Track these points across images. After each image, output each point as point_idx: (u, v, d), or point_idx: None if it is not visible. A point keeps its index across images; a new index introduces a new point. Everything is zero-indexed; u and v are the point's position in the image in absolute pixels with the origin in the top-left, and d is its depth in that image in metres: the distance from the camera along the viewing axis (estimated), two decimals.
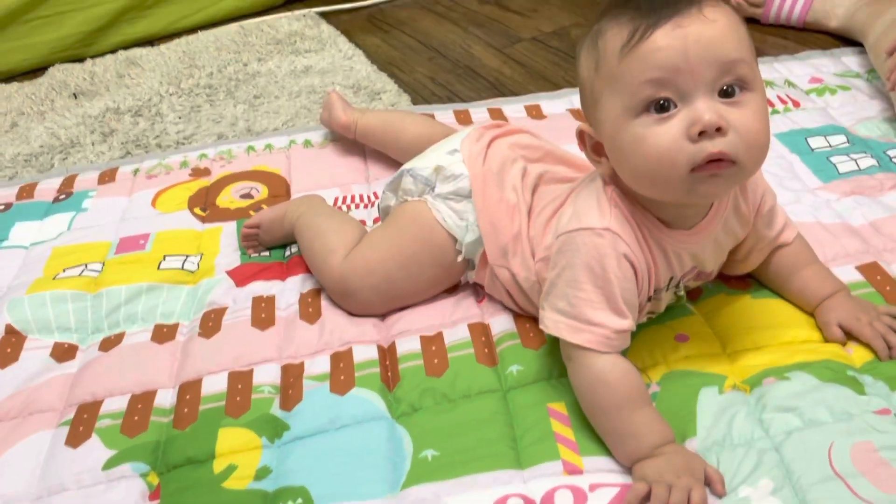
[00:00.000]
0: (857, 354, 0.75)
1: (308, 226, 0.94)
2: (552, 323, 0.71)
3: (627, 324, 0.69)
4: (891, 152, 1.03)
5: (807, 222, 0.91)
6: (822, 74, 1.25)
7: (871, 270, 0.84)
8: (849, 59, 1.29)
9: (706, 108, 0.61)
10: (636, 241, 0.69)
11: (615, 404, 0.68)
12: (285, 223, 0.97)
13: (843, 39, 1.37)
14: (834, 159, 1.03)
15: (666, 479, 0.64)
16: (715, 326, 0.80)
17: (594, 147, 0.71)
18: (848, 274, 0.83)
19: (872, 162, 1.01)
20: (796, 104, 1.17)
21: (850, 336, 0.76)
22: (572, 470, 0.68)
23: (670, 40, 0.62)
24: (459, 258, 0.85)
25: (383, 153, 1.14)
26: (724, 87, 0.62)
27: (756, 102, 0.64)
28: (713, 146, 0.61)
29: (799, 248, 0.82)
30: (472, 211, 0.84)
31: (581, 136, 0.71)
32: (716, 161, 0.62)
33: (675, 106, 0.62)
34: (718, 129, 0.61)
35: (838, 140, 1.07)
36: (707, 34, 0.62)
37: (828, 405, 0.69)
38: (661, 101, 0.62)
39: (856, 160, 1.02)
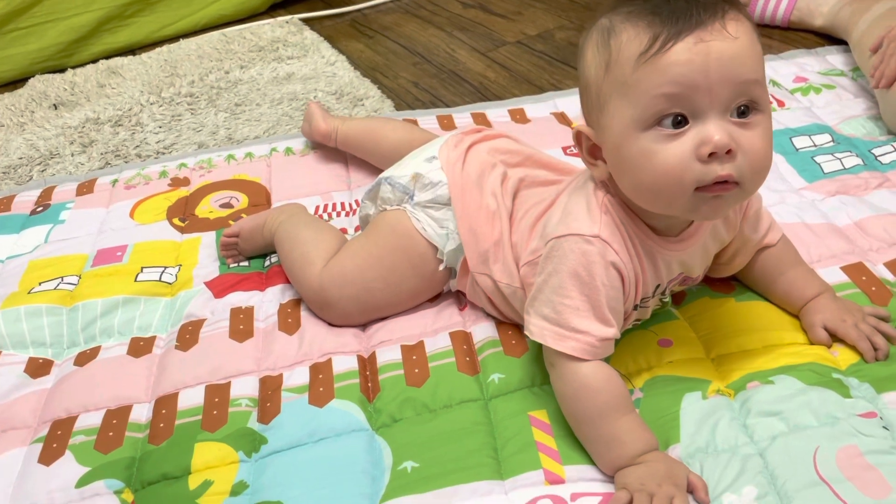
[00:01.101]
0: (842, 357, 0.74)
1: (287, 235, 0.92)
2: (537, 329, 0.69)
3: (612, 332, 0.68)
4: (876, 151, 1.02)
5: (792, 223, 0.90)
6: (807, 73, 1.24)
7: (856, 271, 0.83)
8: (833, 58, 1.28)
9: (718, 129, 0.60)
10: (625, 250, 0.68)
11: (598, 411, 0.67)
12: (265, 232, 0.95)
13: (828, 38, 1.37)
14: (818, 159, 1.02)
15: (647, 487, 0.62)
16: (699, 331, 0.79)
17: (590, 150, 0.69)
18: (833, 275, 0.82)
19: (857, 161, 1.00)
20: (781, 104, 1.16)
21: (835, 338, 0.75)
22: (554, 480, 0.67)
23: (692, 55, 0.59)
24: (441, 267, 0.84)
25: (364, 161, 1.13)
26: (738, 108, 0.61)
27: (765, 125, 0.63)
28: (722, 169, 0.60)
29: (783, 250, 0.81)
30: (452, 219, 0.83)
31: (578, 137, 0.69)
32: (721, 183, 0.61)
33: (687, 122, 0.61)
34: (728, 152, 0.60)
35: (823, 139, 1.06)
36: (728, 52, 0.60)
37: (813, 409, 0.68)
38: (676, 117, 0.61)
39: (840, 159, 1.01)
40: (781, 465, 0.64)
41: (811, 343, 0.76)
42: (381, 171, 0.97)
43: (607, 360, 0.70)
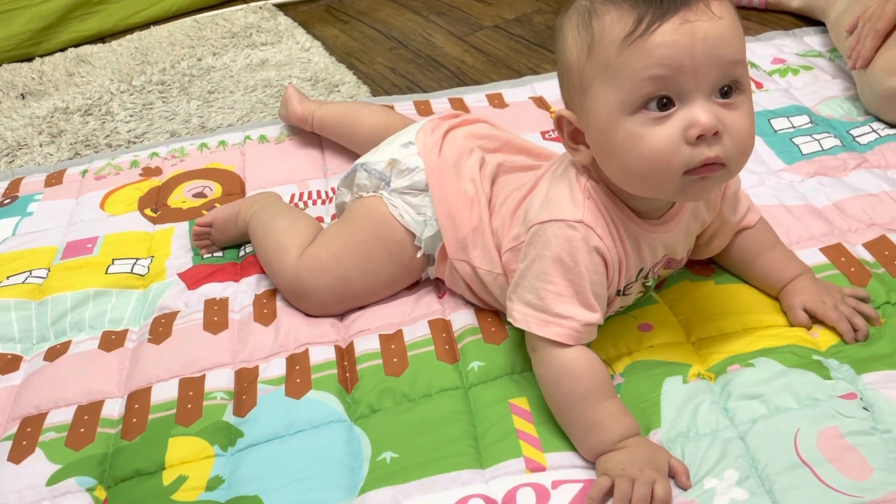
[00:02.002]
0: (822, 338, 0.74)
1: (261, 224, 0.90)
2: (521, 316, 0.68)
3: (596, 317, 0.67)
4: (854, 131, 1.02)
5: (771, 205, 0.90)
6: (785, 55, 1.23)
7: (835, 252, 0.82)
8: (811, 39, 1.28)
9: (705, 112, 0.59)
10: (609, 234, 0.67)
11: (579, 396, 0.66)
12: (239, 222, 0.94)
13: (805, 19, 1.36)
14: (797, 140, 1.02)
15: (629, 472, 0.62)
16: (679, 314, 0.78)
17: (572, 134, 0.67)
18: (812, 256, 0.82)
19: (836, 142, 1.00)
20: (759, 86, 1.15)
21: (815, 319, 0.75)
22: (535, 467, 0.66)
23: (677, 36, 0.58)
24: (419, 254, 0.83)
25: (341, 147, 1.11)
26: (722, 88, 0.61)
27: (747, 104, 0.63)
28: (710, 151, 0.60)
29: (762, 232, 0.80)
30: (429, 205, 0.81)
31: (559, 122, 0.68)
32: (708, 164, 0.61)
33: (673, 105, 0.60)
34: (715, 134, 0.60)
35: (801, 121, 1.06)
36: (713, 33, 0.59)
37: (793, 391, 0.68)
38: (662, 100, 0.60)
39: (819, 140, 1.01)
40: (762, 448, 0.64)
41: (791, 325, 0.75)
42: (357, 157, 0.95)
43: (588, 344, 0.69)
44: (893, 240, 0.82)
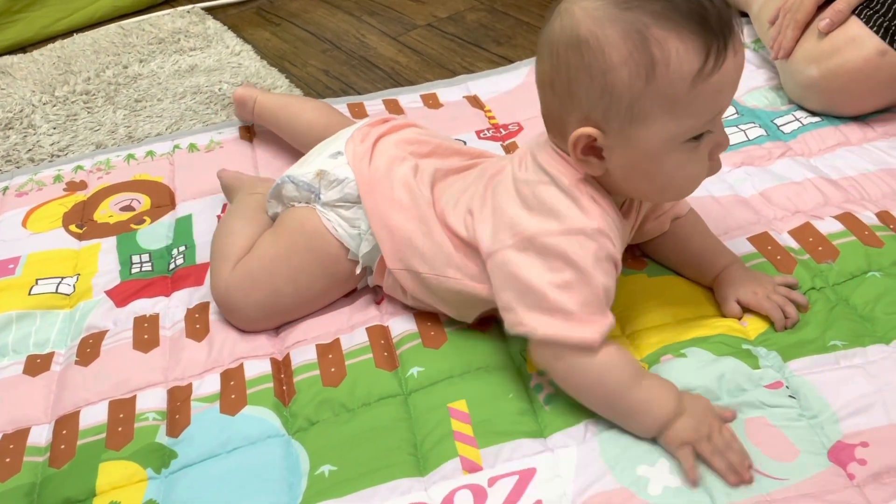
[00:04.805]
0: (751, 326, 0.75)
1: (222, 221, 0.89)
2: (541, 325, 0.65)
3: (611, 319, 0.66)
4: (778, 121, 1.04)
5: (699, 196, 0.91)
6: None
7: (762, 241, 0.84)
8: None
9: (725, 132, 0.65)
10: (616, 235, 0.67)
11: (626, 383, 0.65)
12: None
13: None
14: None
15: (702, 431, 0.63)
16: (613, 308, 0.77)
17: (585, 149, 0.65)
18: (741, 246, 0.84)
19: (761, 132, 1.02)
20: None
21: (747, 309, 0.76)
22: (471, 467, 0.66)
23: (733, 73, 0.62)
24: (358, 269, 0.81)
25: (273, 155, 1.09)
26: None
27: None
28: (719, 160, 0.67)
29: (692, 222, 0.81)
30: (363, 217, 0.80)
31: (577, 141, 0.64)
32: None
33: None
34: None
35: (728, 112, 1.07)
36: (743, 61, 0.63)
37: (723, 381, 0.69)
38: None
39: (745, 131, 1.03)
40: None
41: (724, 316, 0.77)
42: (293, 152, 0.93)
43: (524, 343, 0.70)
44: (817, 226, 0.84)
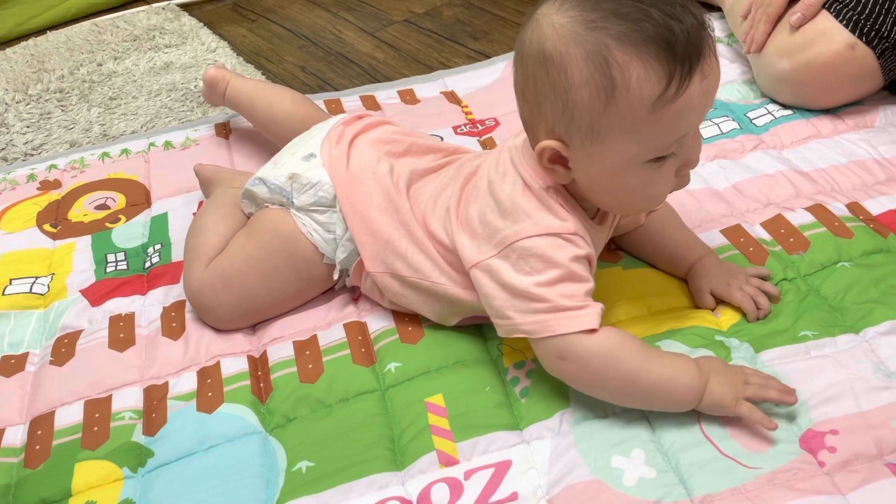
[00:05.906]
0: (724, 317, 0.76)
1: (197, 218, 0.88)
2: (537, 325, 0.65)
3: (601, 304, 0.67)
4: (751, 114, 1.06)
5: None
6: None
7: (734, 233, 0.85)
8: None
9: (694, 149, 0.65)
10: (588, 237, 0.68)
11: (639, 360, 0.65)
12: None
13: (705, 5, 1.40)
14: None
15: (738, 392, 0.64)
16: None
17: (552, 158, 0.65)
18: (714, 238, 0.85)
19: (734, 125, 1.03)
20: None
21: (720, 301, 0.77)
22: (448, 461, 0.67)
23: (699, 97, 0.60)
24: (336, 274, 0.81)
25: (250, 152, 1.09)
26: None
27: None
28: (688, 175, 0.67)
29: (666, 215, 0.82)
30: (338, 222, 0.79)
31: (542, 151, 0.64)
32: None
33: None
34: None
35: None
36: (716, 84, 0.62)
37: None
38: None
39: (718, 124, 1.04)
40: (667, 427, 0.66)
41: (698, 308, 0.77)
42: (269, 145, 0.92)
43: (499, 337, 0.70)
44: (789, 218, 0.86)
